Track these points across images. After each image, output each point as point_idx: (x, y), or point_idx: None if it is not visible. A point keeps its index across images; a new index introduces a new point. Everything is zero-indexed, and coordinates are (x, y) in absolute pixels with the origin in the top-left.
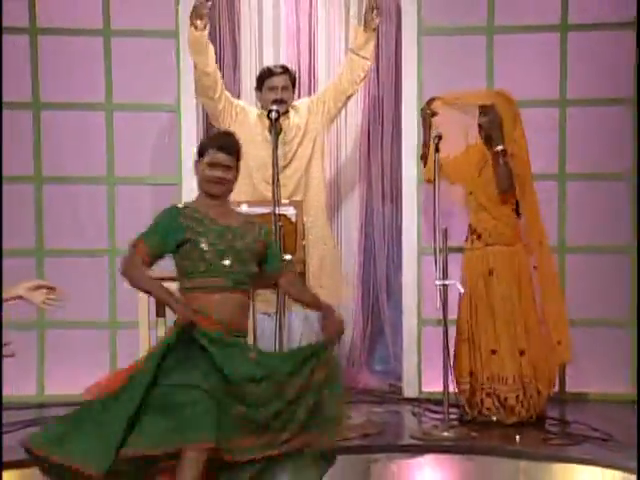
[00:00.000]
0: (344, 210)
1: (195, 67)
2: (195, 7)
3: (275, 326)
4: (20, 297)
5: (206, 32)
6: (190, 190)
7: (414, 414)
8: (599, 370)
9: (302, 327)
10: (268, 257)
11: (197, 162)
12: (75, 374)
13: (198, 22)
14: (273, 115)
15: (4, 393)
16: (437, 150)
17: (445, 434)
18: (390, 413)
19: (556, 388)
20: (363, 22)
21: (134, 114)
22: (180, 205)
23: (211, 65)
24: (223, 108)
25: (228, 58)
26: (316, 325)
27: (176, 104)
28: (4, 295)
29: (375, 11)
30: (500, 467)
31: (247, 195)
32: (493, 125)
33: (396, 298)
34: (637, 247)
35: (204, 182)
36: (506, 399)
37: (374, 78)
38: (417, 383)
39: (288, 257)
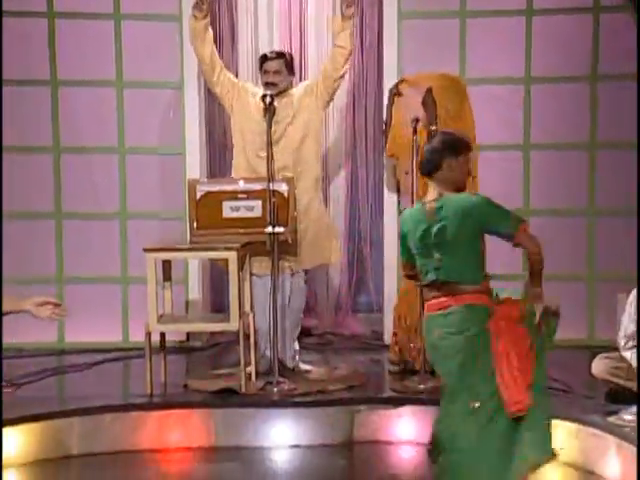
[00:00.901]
0: (332, 177)
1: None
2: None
3: (270, 288)
4: (27, 311)
5: (205, 22)
6: (193, 160)
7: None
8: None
9: (291, 287)
10: None
11: (453, 160)
12: (91, 324)
13: (197, 13)
14: (267, 100)
15: (28, 340)
16: (415, 132)
17: (421, 387)
18: (373, 362)
19: None
20: (340, 13)
21: (142, 91)
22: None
23: (207, 53)
24: (221, 90)
25: (227, 40)
26: (303, 285)
27: (180, 82)
28: (13, 307)
29: (348, 1)
30: None
31: (242, 167)
32: (426, 107)
33: (379, 252)
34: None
35: (465, 178)
36: None
37: (359, 58)
38: None
39: (281, 229)
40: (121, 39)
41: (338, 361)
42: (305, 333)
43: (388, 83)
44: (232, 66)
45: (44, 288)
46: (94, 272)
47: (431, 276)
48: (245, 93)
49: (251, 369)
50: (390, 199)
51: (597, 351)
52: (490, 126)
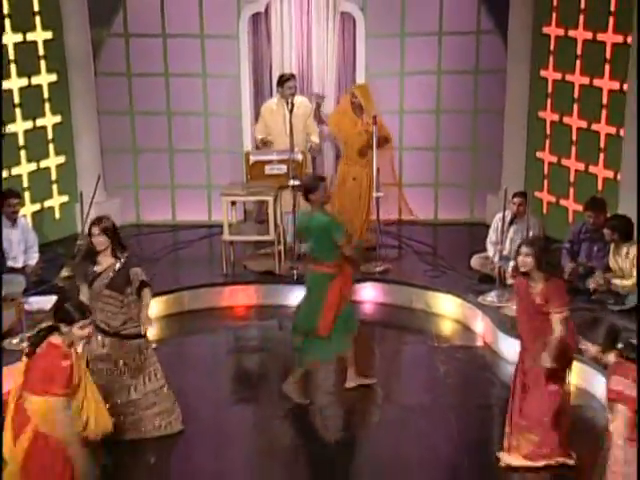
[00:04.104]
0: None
1: None
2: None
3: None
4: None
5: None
6: (246, 121)
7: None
8: (448, 204)
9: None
10: None
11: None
12: (190, 209)
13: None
14: (290, 107)
15: (148, 219)
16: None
17: (378, 269)
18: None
19: (432, 216)
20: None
21: (216, 79)
22: None
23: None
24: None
25: (266, 57)
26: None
27: (237, 74)
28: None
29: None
30: (402, 291)
31: (275, 145)
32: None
33: None
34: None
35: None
36: None
37: (341, 61)
38: None
39: (297, 182)
40: (204, 47)
41: None
42: None
43: (359, 76)
44: (267, 76)
45: (161, 191)
46: (192, 182)
47: None
48: (271, 106)
49: (281, 247)
50: None
51: (474, 229)
52: (417, 100)
